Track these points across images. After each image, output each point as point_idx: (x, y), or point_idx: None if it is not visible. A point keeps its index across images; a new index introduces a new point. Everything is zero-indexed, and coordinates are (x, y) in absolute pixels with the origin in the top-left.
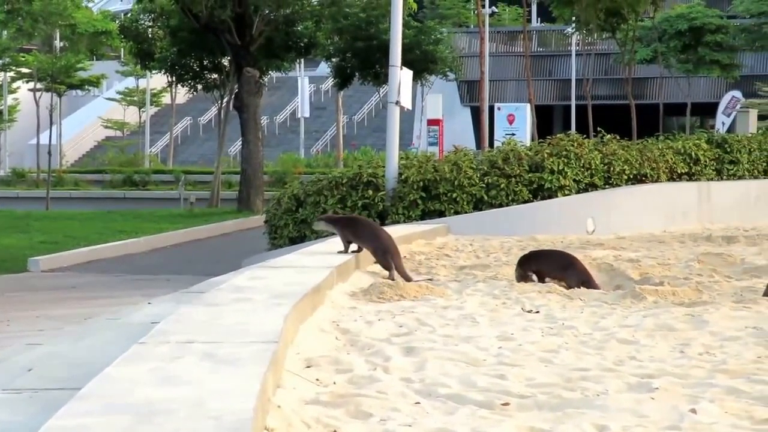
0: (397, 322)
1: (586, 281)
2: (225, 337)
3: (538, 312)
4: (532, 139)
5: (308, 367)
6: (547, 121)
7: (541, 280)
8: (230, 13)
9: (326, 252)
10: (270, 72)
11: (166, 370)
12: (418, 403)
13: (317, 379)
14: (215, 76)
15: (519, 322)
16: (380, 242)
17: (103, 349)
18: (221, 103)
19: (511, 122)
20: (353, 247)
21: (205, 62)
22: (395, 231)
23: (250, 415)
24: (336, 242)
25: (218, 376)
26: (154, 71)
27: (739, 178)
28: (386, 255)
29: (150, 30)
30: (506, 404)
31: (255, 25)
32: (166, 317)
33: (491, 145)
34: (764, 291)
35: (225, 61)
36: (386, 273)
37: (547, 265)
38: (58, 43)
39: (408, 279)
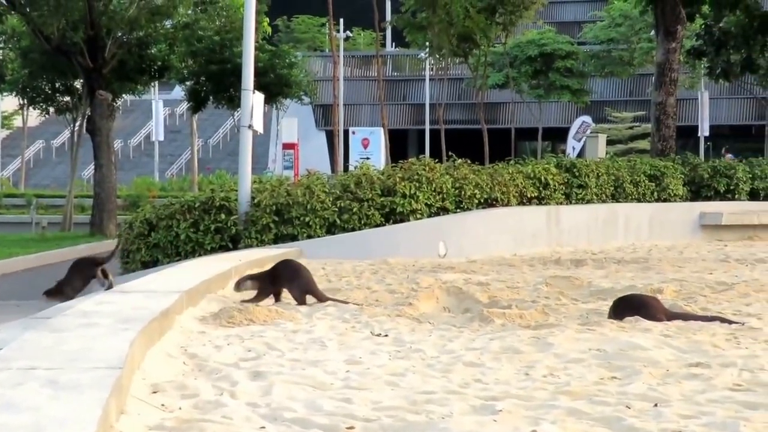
0: (245, 346)
1: (310, 291)
2: (68, 363)
3: (386, 335)
4: (387, 163)
5: (154, 392)
6: (401, 145)
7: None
8: (82, 36)
9: (177, 277)
10: (123, 95)
11: (6, 396)
12: (263, 427)
13: (162, 405)
14: (68, 98)
15: (367, 345)
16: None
17: None
18: (74, 126)
19: (365, 146)
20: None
21: (57, 84)
22: (248, 255)
23: None
24: (186, 268)
25: (59, 403)
26: (4, 93)
27: (588, 202)
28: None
29: (0, 51)
30: (351, 428)
31: (107, 47)
32: (10, 343)
33: (346, 169)
34: (608, 313)
35: (77, 84)
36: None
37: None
38: None
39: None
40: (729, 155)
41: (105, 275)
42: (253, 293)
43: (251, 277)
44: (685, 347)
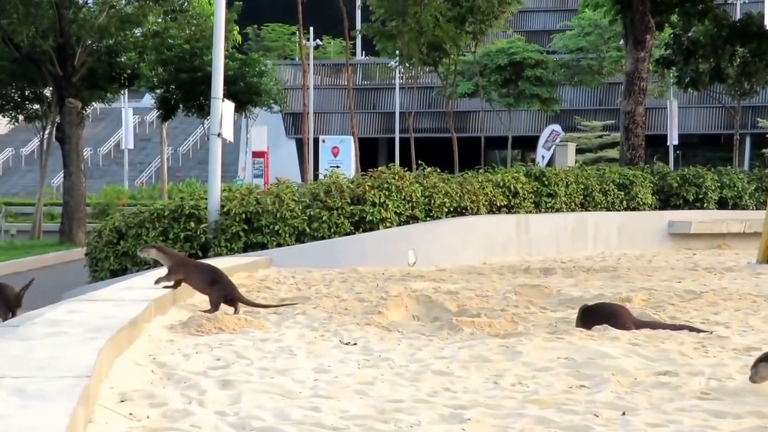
0: (214, 355)
1: (230, 296)
2: (36, 371)
3: (355, 344)
4: (357, 172)
5: (122, 401)
6: (371, 153)
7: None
8: (52, 44)
9: (145, 285)
10: (93, 103)
11: None
12: None
13: (131, 414)
14: (37, 106)
15: (336, 354)
16: None
17: None
18: (43, 134)
19: (335, 155)
20: None
21: (26, 92)
22: (217, 263)
23: None
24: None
25: (27, 412)
26: None
27: (557, 210)
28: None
29: None
30: None
31: (77, 55)
32: None
33: (316, 177)
34: (575, 322)
35: (47, 92)
36: None
37: (194, 280)
38: None
39: None
40: (659, 163)
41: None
42: (164, 267)
43: (171, 257)
44: (654, 356)
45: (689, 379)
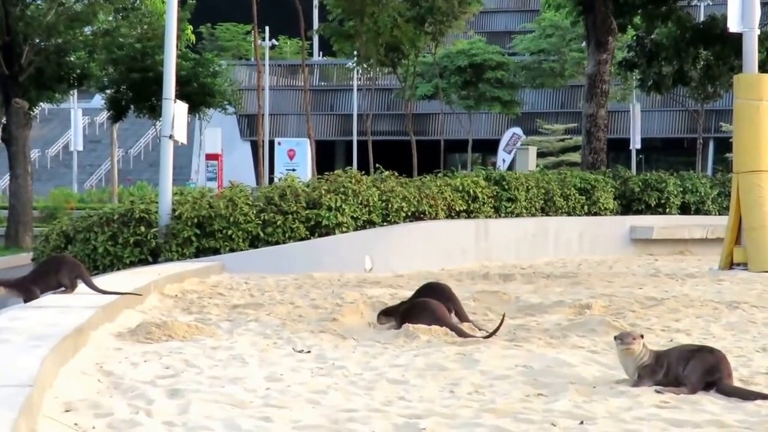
0: (163, 363)
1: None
2: None
3: (309, 352)
4: (313, 175)
5: (67, 411)
6: (329, 156)
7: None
8: None
9: (92, 292)
10: (41, 103)
11: None
12: None
13: (75, 424)
14: None
15: (289, 362)
16: None
17: None
18: None
19: (291, 157)
20: None
21: None
22: (168, 269)
23: None
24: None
25: None
26: None
27: (517, 215)
28: None
29: None
30: None
31: (24, 54)
32: None
33: (271, 180)
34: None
35: None
36: None
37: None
38: None
39: None
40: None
41: None
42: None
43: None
44: (612, 364)
45: (648, 388)
